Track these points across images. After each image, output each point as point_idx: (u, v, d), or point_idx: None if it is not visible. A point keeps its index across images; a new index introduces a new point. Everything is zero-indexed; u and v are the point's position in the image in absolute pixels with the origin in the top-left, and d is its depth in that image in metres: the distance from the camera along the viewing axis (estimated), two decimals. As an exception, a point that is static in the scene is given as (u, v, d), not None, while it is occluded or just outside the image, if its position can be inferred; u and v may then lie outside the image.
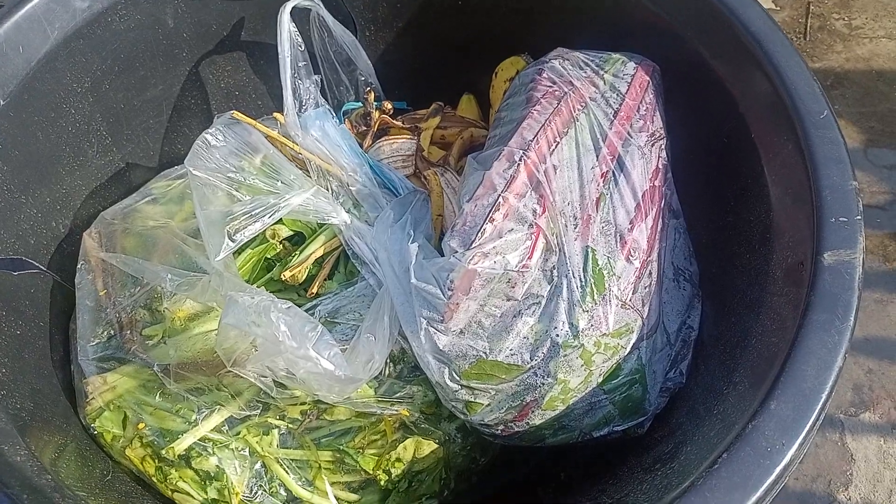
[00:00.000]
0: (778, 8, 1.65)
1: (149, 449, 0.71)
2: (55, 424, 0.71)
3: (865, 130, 1.47)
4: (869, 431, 1.17)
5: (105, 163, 0.94)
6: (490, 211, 0.71)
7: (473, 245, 0.69)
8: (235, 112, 0.83)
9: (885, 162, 1.45)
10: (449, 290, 0.69)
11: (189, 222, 0.85)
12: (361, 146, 0.93)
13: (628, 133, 0.82)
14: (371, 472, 0.75)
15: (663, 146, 0.85)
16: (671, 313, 0.82)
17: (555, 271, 0.72)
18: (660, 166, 0.83)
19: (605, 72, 0.87)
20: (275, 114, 0.93)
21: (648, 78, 0.88)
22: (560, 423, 0.75)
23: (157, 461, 0.71)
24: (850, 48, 1.55)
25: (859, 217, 0.72)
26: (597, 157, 0.78)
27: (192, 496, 0.72)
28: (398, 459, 0.76)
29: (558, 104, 0.80)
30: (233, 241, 0.72)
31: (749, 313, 0.76)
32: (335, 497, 0.75)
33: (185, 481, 0.71)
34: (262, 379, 0.69)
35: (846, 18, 1.59)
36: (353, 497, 0.76)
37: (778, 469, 0.59)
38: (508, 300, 0.71)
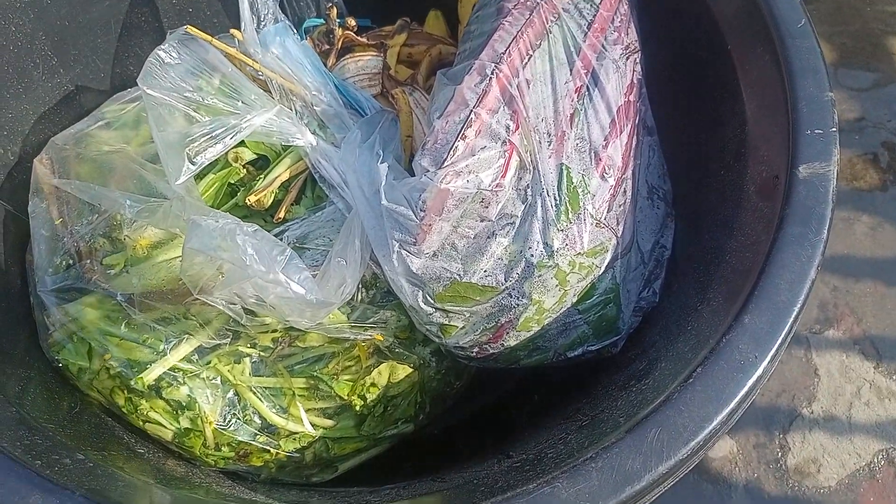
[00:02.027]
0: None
1: (117, 380, 0.69)
2: (17, 358, 0.69)
3: (837, 48, 1.45)
4: (832, 347, 1.20)
5: (53, 86, 0.89)
6: (462, 128, 0.68)
7: (445, 164, 0.67)
8: (189, 27, 0.78)
9: (854, 82, 1.45)
10: (421, 210, 0.67)
11: (146, 147, 0.81)
12: (325, 65, 0.89)
13: (602, 46, 0.79)
14: (346, 397, 0.74)
15: (638, 59, 0.83)
16: (645, 232, 0.81)
17: (529, 190, 0.70)
18: (635, 81, 0.81)
19: (579, -18, 0.83)
20: (232, 30, 0.88)
21: (623, -12, 0.85)
22: (535, 343, 0.75)
23: (126, 392, 0.70)
24: (824, -40, 1.52)
25: (834, 129, 0.71)
26: (570, 71, 0.76)
27: (164, 426, 0.70)
28: (373, 384, 0.75)
29: (530, 15, 0.77)
30: (193, 163, 0.69)
31: (722, 230, 0.75)
32: (310, 423, 0.74)
33: (156, 412, 0.70)
34: (231, 306, 0.67)
35: (821, -72, 1.55)
36: (329, 423, 0.75)
37: (751, 381, 0.60)
38: (482, 220, 0.69)
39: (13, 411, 0.57)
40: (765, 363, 0.60)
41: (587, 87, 0.76)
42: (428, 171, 0.67)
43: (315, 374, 0.73)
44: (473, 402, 0.95)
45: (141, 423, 0.71)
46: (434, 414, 0.85)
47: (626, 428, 0.58)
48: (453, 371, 0.83)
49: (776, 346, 0.61)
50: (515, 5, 0.78)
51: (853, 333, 1.21)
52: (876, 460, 1.12)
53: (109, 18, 0.93)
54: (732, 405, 0.59)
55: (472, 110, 0.69)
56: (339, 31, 0.98)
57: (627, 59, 0.80)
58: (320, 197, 0.80)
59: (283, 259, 0.62)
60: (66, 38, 0.89)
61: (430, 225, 0.67)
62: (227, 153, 0.77)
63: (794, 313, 0.62)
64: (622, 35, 0.81)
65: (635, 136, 0.79)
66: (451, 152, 0.67)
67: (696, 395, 0.59)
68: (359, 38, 0.97)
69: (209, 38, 0.81)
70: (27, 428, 0.56)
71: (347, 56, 0.94)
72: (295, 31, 0.87)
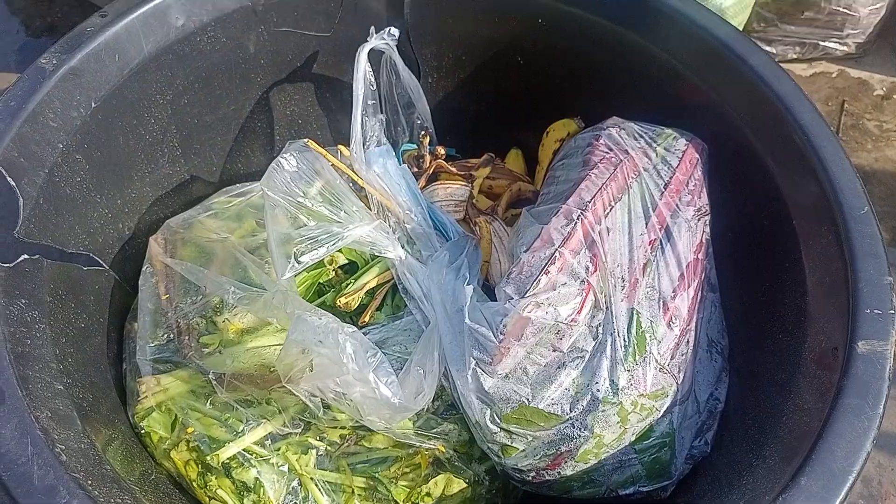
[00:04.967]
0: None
1: (194, 453, 0.73)
2: (107, 418, 0.74)
3: (888, 230, 1.52)
4: (875, 525, 1.18)
5: (173, 172, 0.98)
6: (546, 263, 0.75)
7: (528, 294, 0.73)
8: (309, 140, 0.87)
9: (904, 261, 1.49)
10: (501, 333, 0.72)
11: (247, 239, 0.89)
12: (417, 187, 0.97)
13: (677, 205, 0.86)
14: (401, 502, 0.77)
15: (708, 221, 0.89)
16: (702, 383, 0.85)
17: (600, 328, 0.75)
18: (703, 240, 0.87)
19: (658, 145, 0.92)
20: (340, 146, 0.98)
21: (698, 155, 0.93)
22: (590, 476, 0.77)
23: (199, 466, 0.73)
24: (879, 148, 1.61)
25: (892, 311, 0.76)
26: (646, 224, 0.82)
27: (228, 504, 0.74)
28: (428, 493, 0.78)
29: (615, 170, 0.85)
30: (299, 262, 0.75)
31: (779, 392, 0.78)
32: (363, 523, 0.76)
33: (223, 490, 0.73)
34: (312, 398, 0.71)
35: (878, 120, 1.66)
36: (380, 525, 0.78)
37: (805, 543, 0.61)
38: (554, 351, 0.74)
39: (108, 468, 0.61)
40: (819, 527, 0.62)
41: (661, 240, 0.82)
42: (512, 298, 0.73)
43: (376, 475, 0.76)
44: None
45: (207, 498, 0.74)
46: (476, 532, 0.86)
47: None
48: (502, 492, 0.85)
49: (831, 511, 0.63)
50: (601, 160, 0.86)
51: (895, 514, 1.20)
52: None
53: (231, 120, 1.04)
54: (784, 566, 0.60)
55: (556, 249, 0.75)
56: (428, 158, 1.07)
57: (699, 220, 0.87)
58: (398, 306, 0.86)
59: (375, 361, 0.67)
60: (192, 134, 1.00)
61: (507, 348, 0.72)
62: (324, 256, 0.84)
63: (850, 482, 0.65)
64: (695, 198, 0.88)
65: (700, 291, 0.85)
66: (535, 284, 0.73)
67: (751, 550, 0.60)
68: (449, 166, 1.06)
69: (323, 151, 0.90)
70: (119, 487, 0.60)
71: (437, 182, 1.02)
72: (394, 153, 0.97)
